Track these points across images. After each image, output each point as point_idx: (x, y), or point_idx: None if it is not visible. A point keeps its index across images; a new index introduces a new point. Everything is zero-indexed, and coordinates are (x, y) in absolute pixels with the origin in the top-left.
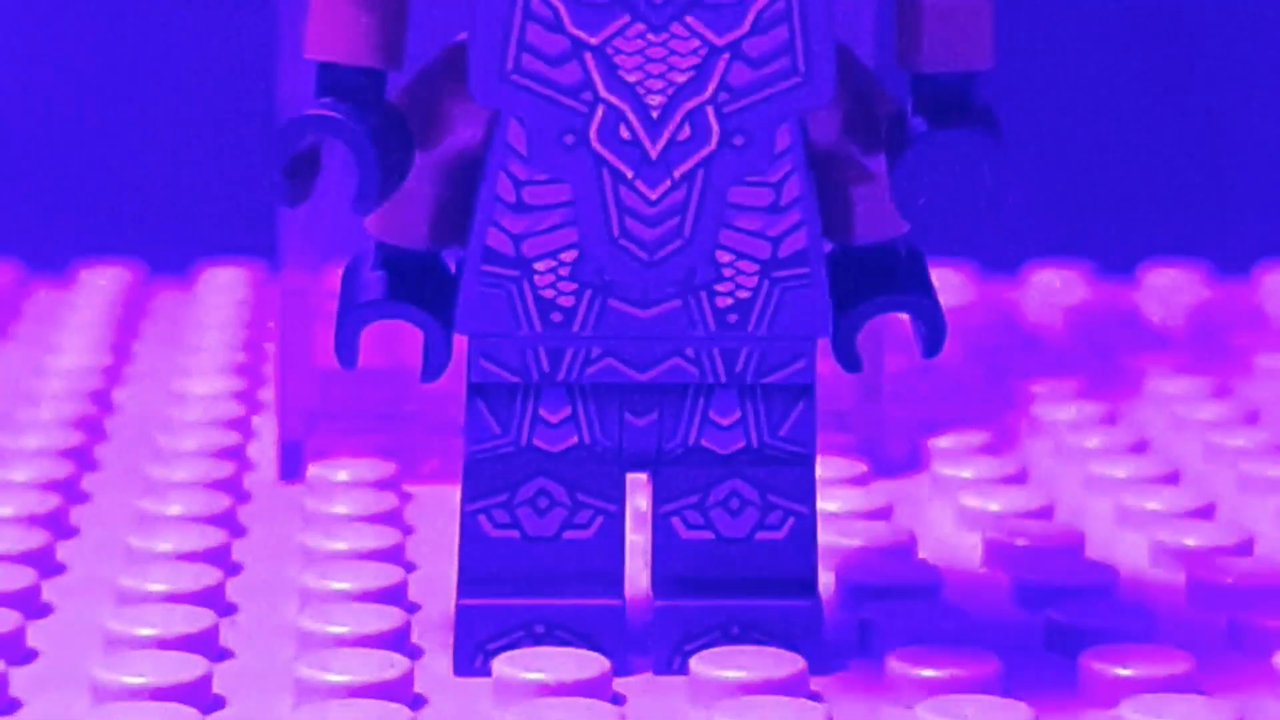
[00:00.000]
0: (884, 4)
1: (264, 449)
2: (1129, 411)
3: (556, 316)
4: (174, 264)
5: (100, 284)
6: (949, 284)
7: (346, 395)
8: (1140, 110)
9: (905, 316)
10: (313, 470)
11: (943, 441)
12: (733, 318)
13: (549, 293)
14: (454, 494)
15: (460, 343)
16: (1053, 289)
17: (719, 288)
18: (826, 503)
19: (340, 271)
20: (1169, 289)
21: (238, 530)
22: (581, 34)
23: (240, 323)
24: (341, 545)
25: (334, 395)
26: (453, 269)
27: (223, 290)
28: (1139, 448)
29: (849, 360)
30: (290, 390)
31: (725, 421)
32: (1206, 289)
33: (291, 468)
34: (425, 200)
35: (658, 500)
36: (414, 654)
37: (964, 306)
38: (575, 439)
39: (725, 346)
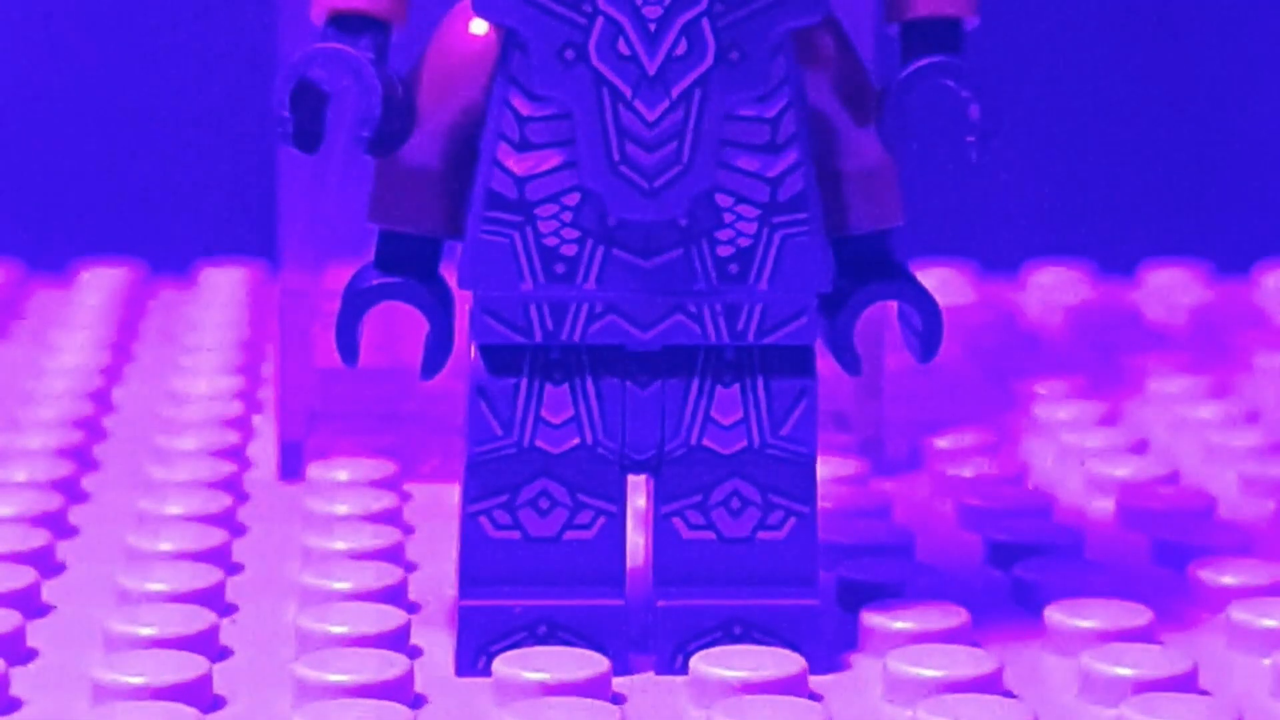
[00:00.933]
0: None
1: (264, 449)
2: (1129, 411)
3: (560, 268)
4: (174, 264)
5: (100, 284)
6: (949, 284)
7: (346, 395)
8: (1140, 110)
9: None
10: (313, 470)
11: (942, 441)
12: (734, 268)
13: (552, 240)
14: (454, 493)
15: (460, 343)
16: (1053, 289)
17: (720, 235)
18: (826, 502)
19: (341, 276)
20: (1169, 289)
21: (238, 530)
22: None
23: (240, 323)
24: (341, 545)
25: (334, 395)
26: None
27: (223, 290)
28: (1139, 448)
29: (849, 361)
30: (290, 390)
31: (727, 421)
32: (1207, 289)
33: (291, 467)
34: (426, 180)
35: (659, 500)
36: (414, 654)
37: (964, 306)
38: (577, 440)
39: (727, 301)
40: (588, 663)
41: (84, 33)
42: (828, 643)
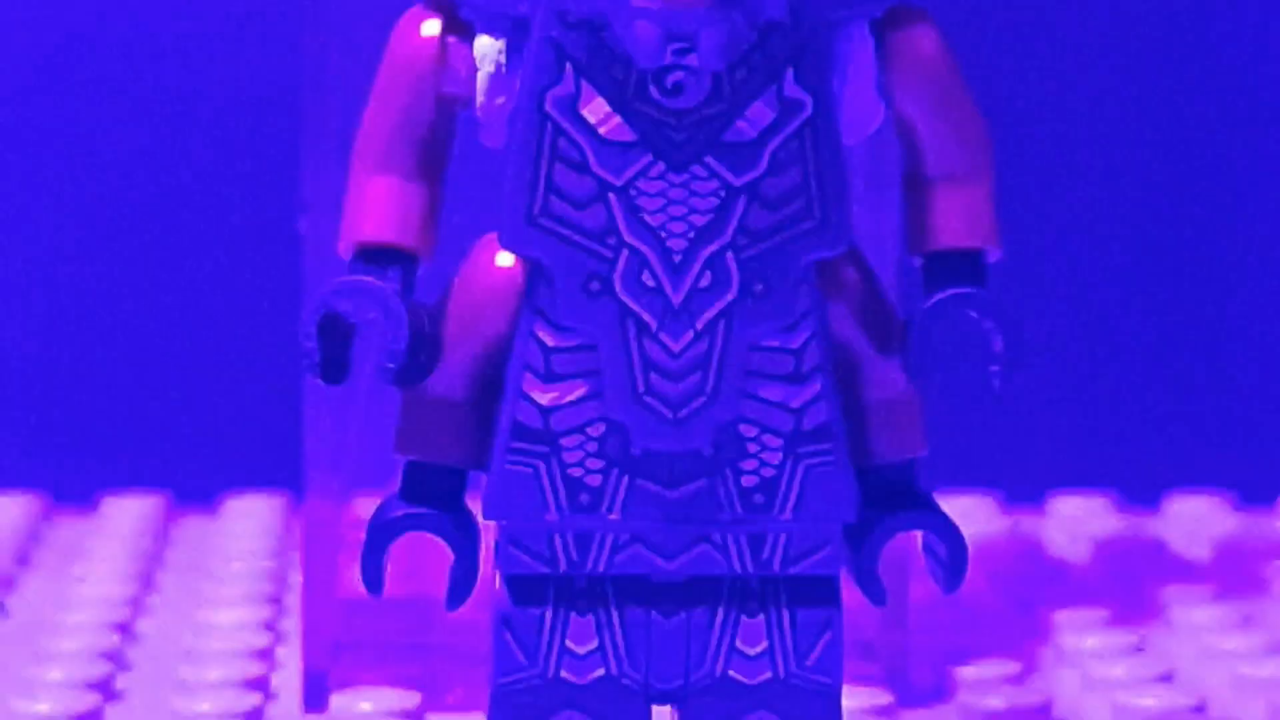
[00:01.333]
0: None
1: (288, 679)
2: (1155, 641)
3: (584, 498)
4: (198, 495)
5: (125, 514)
6: (973, 514)
7: (371, 625)
8: (1163, 340)
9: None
10: (336, 700)
11: (969, 671)
12: (758, 498)
13: (577, 471)
14: None
15: (485, 572)
16: (1077, 518)
17: (744, 465)
18: None
19: (366, 506)
20: (1193, 519)
21: None
22: (607, 175)
23: (265, 553)
24: None
25: (358, 625)
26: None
27: (247, 521)
28: (1166, 678)
29: (874, 591)
30: (314, 620)
31: (752, 651)
32: (1231, 518)
33: (316, 698)
34: (451, 411)
35: None
36: None
37: (988, 536)
38: (602, 671)
39: (752, 531)
40: None
41: (106, 262)
42: None
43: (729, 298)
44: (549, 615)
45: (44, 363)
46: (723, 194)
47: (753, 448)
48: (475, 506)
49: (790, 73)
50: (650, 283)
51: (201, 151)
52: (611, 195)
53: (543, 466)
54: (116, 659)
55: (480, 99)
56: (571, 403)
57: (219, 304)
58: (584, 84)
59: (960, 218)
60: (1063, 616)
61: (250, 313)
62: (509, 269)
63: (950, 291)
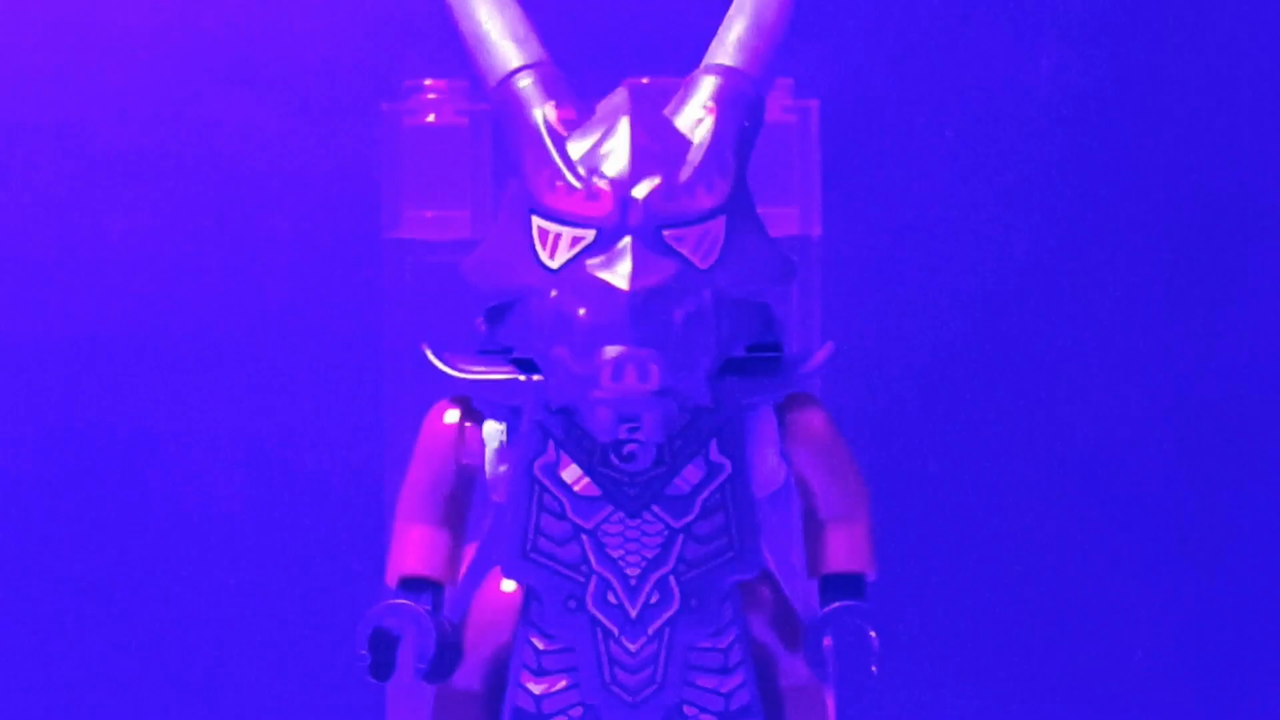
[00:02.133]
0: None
1: None
2: None
3: None
4: None
5: None
6: None
7: None
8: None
9: None
10: None
11: None
12: None
13: None
14: None
15: None
16: None
17: None
18: None
19: None
20: None
21: None
22: (580, 521)
23: None
24: None
25: None
26: None
27: None
28: None
29: None
30: None
31: None
32: None
33: None
34: (469, 698)
35: None
36: None
37: None
38: None
39: None
40: None
41: (253, 612)
42: None
43: (672, 610)
44: None
45: (198, 680)
46: (666, 533)
47: None
48: None
49: (714, 443)
50: (614, 600)
51: (301, 520)
52: (584, 536)
53: None
54: None
55: (488, 467)
56: (557, 691)
57: (316, 637)
58: (562, 454)
59: (846, 549)
60: None
61: (331, 639)
62: (510, 593)
63: (840, 604)
